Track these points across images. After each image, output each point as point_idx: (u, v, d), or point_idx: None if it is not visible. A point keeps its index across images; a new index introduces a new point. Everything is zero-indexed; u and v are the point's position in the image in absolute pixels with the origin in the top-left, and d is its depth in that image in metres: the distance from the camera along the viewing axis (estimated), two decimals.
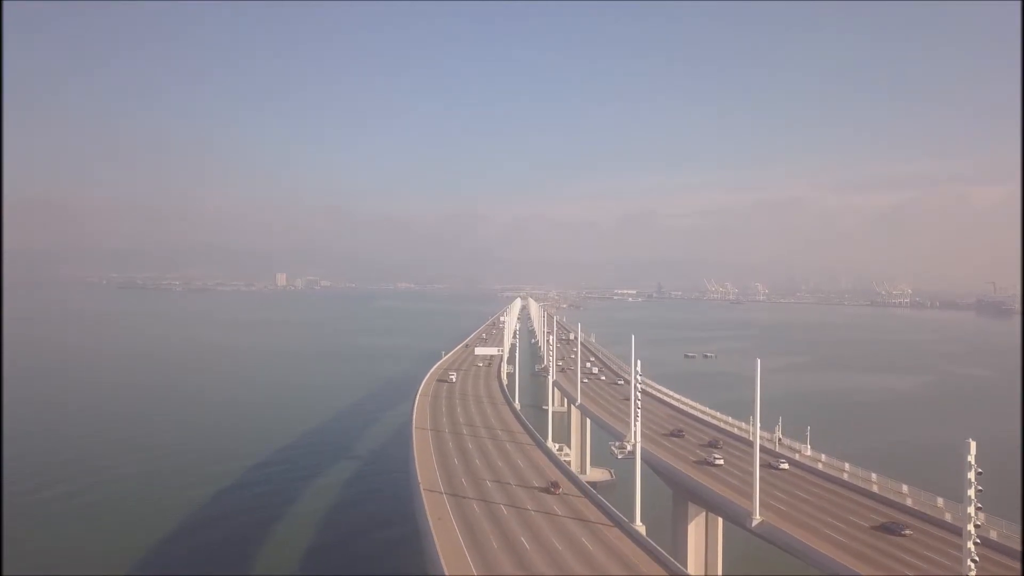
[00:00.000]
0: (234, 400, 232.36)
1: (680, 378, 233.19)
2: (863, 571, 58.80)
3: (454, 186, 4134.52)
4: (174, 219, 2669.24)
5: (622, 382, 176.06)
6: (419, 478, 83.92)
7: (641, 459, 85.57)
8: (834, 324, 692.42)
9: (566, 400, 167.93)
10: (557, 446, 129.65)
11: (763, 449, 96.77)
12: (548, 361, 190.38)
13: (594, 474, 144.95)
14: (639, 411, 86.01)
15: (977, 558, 48.87)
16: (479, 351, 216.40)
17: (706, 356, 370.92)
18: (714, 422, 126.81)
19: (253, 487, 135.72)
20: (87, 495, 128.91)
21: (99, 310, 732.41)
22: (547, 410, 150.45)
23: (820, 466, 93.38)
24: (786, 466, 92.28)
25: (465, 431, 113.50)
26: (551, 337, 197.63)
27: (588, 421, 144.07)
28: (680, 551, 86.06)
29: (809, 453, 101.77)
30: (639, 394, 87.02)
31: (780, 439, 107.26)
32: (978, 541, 49.23)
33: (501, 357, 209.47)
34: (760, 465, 73.27)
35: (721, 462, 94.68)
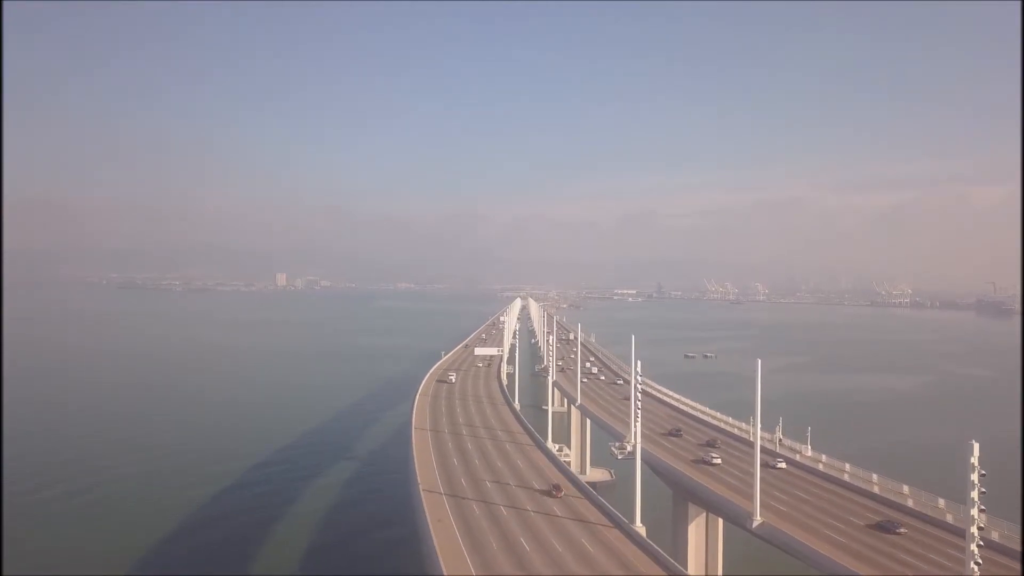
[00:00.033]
0: (234, 400, 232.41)
1: (680, 378, 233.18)
2: (864, 572, 58.79)
3: (454, 186, 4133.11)
4: (174, 219, 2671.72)
5: (621, 382, 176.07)
6: (418, 479, 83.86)
7: (641, 459, 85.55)
8: (834, 324, 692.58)
9: (566, 400, 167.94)
10: (557, 446, 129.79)
11: (761, 449, 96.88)
12: (548, 361, 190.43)
13: (594, 474, 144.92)
14: (639, 411, 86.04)
15: (980, 560, 48.77)
16: (479, 351, 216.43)
17: (706, 356, 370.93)
18: (713, 422, 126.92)
19: (253, 487, 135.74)
20: (87, 495, 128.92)
21: (99, 310, 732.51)
22: (547, 410, 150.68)
23: (821, 467, 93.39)
24: (783, 465, 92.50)
25: (465, 431, 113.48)
26: (551, 337, 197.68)
27: (588, 421, 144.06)
28: (680, 552, 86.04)
29: (810, 454, 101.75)
30: (639, 394, 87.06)
31: (781, 440, 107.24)
32: (981, 544, 49.10)
33: (501, 357, 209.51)
34: (760, 464, 73.30)
35: (719, 461, 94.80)
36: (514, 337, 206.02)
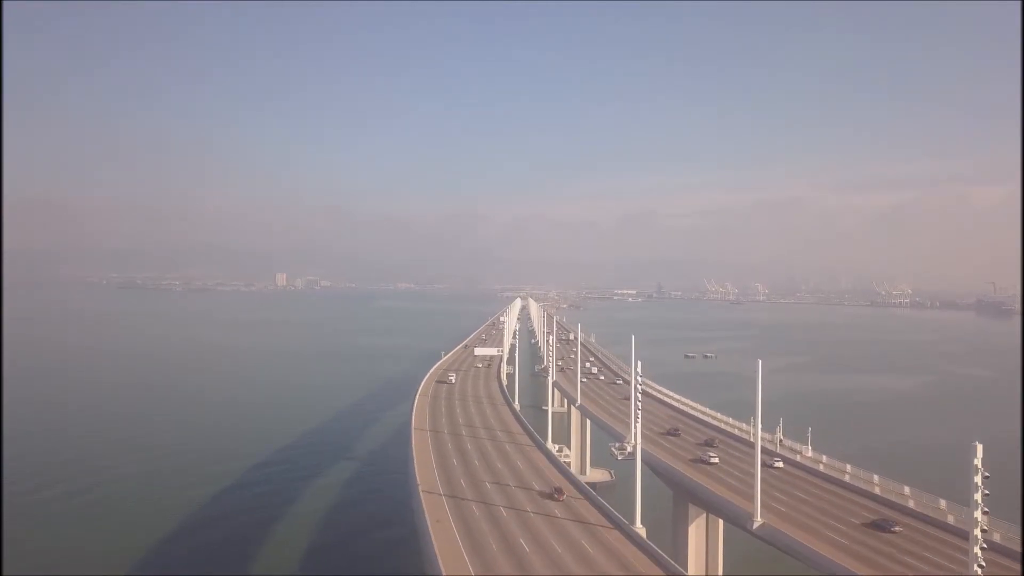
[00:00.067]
0: (234, 400, 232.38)
1: (680, 378, 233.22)
2: (864, 572, 58.77)
3: (454, 186, 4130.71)
4: (174, 219, 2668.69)
5: (621, 382, 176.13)
6: (418, 479, 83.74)
7: (641, 460, 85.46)
8: (834, 324, 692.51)
9: (566, 401, 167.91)
10: (557, 447, 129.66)
11: (760, 449, 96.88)
12: (548, 361, 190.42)
13: (594, 475, 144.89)
14: (639, 412, 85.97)
15: (984, 563, 48.69)
16: (479, 351, 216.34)
17: (706, 356, 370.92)
18: (711, 421, 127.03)
19: (253, 487, 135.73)
20: (87, 495, 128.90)
21: (99, 310, 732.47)
22: (547, 411, 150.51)
23: (821, 467, 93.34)
24: (780, 464, 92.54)
25: (464, 432, 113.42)
26: (551, 337, 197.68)
27: (588, 422, 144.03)
28: (681, 553, 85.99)
29: (810, 454, 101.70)
30: (639, 395, 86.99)
31: (781, 440, 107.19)
32: (985, 546, 49.01)
33: (501, 357, 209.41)
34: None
35: (716, 460, 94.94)
36: (514, 337, 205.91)
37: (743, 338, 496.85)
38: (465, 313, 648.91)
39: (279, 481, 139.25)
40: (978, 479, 47.96)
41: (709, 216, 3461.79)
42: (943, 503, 74.26)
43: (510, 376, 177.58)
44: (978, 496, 48.04)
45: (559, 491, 79.74)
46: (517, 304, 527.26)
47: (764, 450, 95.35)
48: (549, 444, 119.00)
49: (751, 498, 73.31)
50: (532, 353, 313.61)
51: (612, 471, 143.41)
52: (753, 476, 73.19)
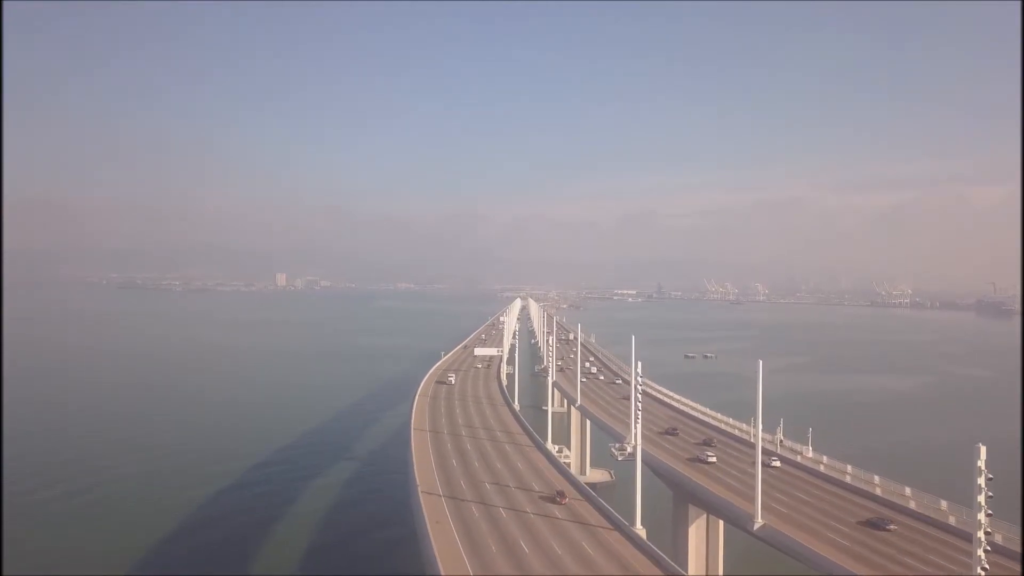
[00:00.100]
0: (234, 400, 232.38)
1: (680, 378, 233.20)
2: (865, 573, 58.76)
3: (454, 186, 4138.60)
4: (174, 219, 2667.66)
5: (620, 381, 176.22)
6: (417, 480, 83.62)
7: (641, 461, 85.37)
8: (834, 324, 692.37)
9: (566, 401, 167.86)
10: (557, 447, 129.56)
11: (754, 446, 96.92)
12: (548, 362, 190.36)
13: (594, 475, 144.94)
14: (639, 413, 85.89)
15: (988, 566, 48.60)
16: (478, 352, 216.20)
17: (706, 356, 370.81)
18: (710, 421, 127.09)
19: (253, 487, 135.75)
20: (87, 495, 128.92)
21: (99, 310, 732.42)
22: (547, 411, 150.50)
23: (822, 467, 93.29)
24: (778, 464, 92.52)
25: (464, 432, 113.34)
26: (551, 338, 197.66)
27: (588, 422, 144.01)
28: (681, 554, 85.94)
29: (811, 455, 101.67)
30: (639, 395, 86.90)
31: (782, 440, 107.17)
32: (988, 548, 48.93)
33: (501, 358, 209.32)
34: (753, 463, 73.01)
35: (714, 460, 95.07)
36: (514, 337, 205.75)
37: (743, 338, 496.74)
38: (465, 313, 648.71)
39: (279, 481, 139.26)
40: (981, 481, 47.78)
41: (709, 216, 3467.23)
42: (944, 504, 74.24)
43: (510, 376, 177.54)
44: (981, 498, 47.88)
45: (561, 494, 78.64)
46: (517, 304, 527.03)
47: (763, 450, 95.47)
48: (549, 444, 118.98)
49: (751, 498, 73.27)
50: (532, 353, 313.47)
51: (612, 471, 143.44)
52: (751, 475, 73.19)
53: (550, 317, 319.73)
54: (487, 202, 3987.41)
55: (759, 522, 71.07)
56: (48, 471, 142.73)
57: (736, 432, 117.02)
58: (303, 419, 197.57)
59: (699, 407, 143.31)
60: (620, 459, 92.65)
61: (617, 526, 70.40)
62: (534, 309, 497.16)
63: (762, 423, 76.81)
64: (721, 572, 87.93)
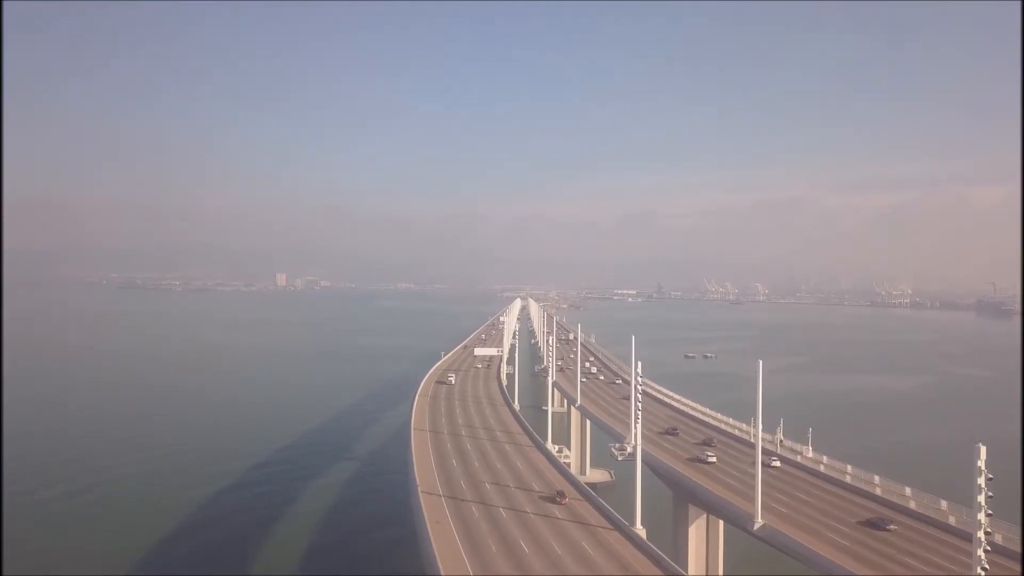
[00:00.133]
0: (234, 400, 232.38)
1: (680, 378, 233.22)
2: (865, 574, 58.74)
3: (454, 186, 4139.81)
4: (174, 219, 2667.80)
5: (620, 381, 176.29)
6: (417, 480, 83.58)
7: (641, 461, 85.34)
8: (834, 324, 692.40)
9: (566, 401, 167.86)
10: (557, 447, 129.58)
11: (754, 446, 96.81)
12: (548, 362, 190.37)
13: (594, 475, 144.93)
14: (639, 413, 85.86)
15: (988, 566, 48.56)
16: (478, 352, 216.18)
17: (706, 356, 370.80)
18: (710, 421, 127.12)
19: (253, 487, 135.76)
20: (87, 495, 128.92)
21: (99, 310, 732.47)
22: (547, 411, 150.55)
23: (822, 468, 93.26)
24: (778, 463, 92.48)
25: (464, 432, 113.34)
26: (551, 338, 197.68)
27: (588, 422, 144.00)
28: (681, 554, 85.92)
29: (811, 455, 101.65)
30: (639, 395, 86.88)
31: (782, 441, 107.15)
32: (988, 549, 48.90)
33: (501, 358, 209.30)
34: (752, 462, 72.93)
35: (714, 459, 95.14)
36: (514, 337, 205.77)
37: (743, 338, 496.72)
38: (465, 313, 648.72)
39: (279, 481, 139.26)
40: (981, 481, 47.72)
41: (709, 216, 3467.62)
42: (944, 504, 74.24)
43: (510, 376, 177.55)
44: (981, 498, 47.82)
45: (561, 494, 78.46)
46: (517, 304, 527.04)
47: (763, 450, 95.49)
48: (549, 444, 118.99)
49: (750, 498, 73.25)
50: (532, 353, 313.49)
51: (612, 471, 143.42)
52: (751, 475, 73.15)
53: (550, 317, 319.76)
54: (487, 202, 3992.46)
55: (759, 522, 71.05)
56: (48, 471, 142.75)
57: (736, 432, 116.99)
58: (303, 419, 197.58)
59: (699, 407, 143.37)
60: (620, 459, 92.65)
61: (617, 526, 70.36)
62: (534, 309, 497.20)
63: (762, 423, 76.84)
64: (721, 572, 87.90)
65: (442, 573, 57.87)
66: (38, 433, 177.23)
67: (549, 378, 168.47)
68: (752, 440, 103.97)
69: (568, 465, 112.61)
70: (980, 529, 48.19)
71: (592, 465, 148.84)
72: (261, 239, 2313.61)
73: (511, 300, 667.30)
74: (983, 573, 48.32)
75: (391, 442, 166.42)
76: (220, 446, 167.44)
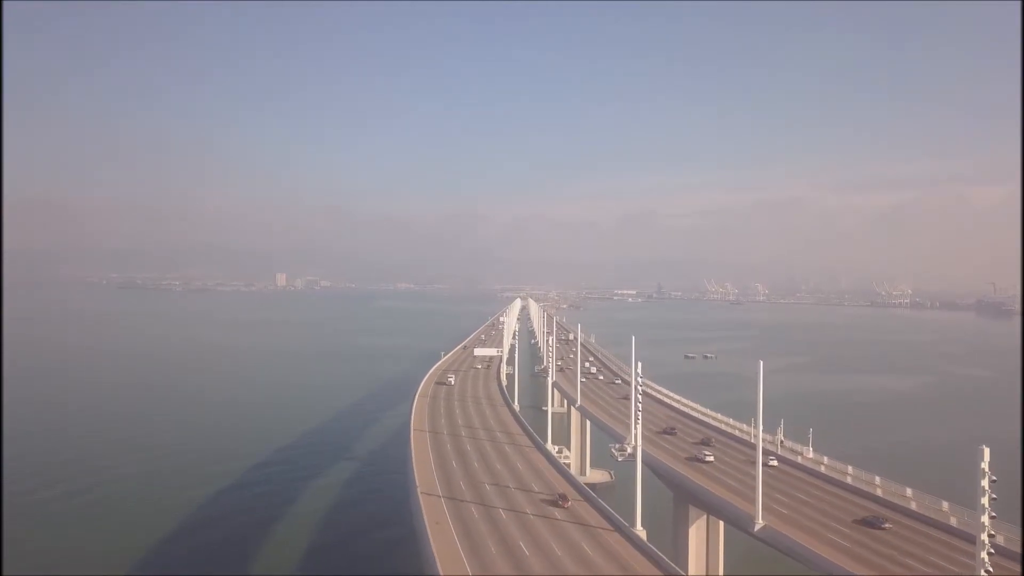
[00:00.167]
0: (234, 400, 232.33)
1: (680, 379, 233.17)
2: (866, 574, 58.73)
3: (454, 186, 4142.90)
4: (174, 219, 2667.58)
5: (619, 381, 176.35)
6: (416, 481, 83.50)
7: (641, 461, 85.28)
8: (834, 325, 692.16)
9: (566, 401, 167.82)
10: (556, 448, 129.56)
11: (752, 446, 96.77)
12: (548, 362, 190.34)
13: (594, 475, 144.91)
14: (640, 414, 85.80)
15: (991, 568, 48.44)
16: (478, 352, 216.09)
17: (706, 357, 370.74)
18: (708, 420, 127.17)
19: (253, 487, 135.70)
20: (87, 495, 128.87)
21: (99, 310, 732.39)
22: (547, 411, 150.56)
23: (823, 468, 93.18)
24: (775, 463, 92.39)
25: (464, 433, 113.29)
26: (550, 338, 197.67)
27: (588, 422, 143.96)
28: (681, 555, 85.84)
29: (811, 455, 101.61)
30: (634, 393, 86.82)
31: (782, 441, 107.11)
32: (992, 551, 48.82)
33: (500, 358, 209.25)
34: (751, 462, 72.84)
35: (711, 459, 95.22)
36: (514, 338, 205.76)
37: (743, 338, 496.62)
38: (465, 313, 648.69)
39: (279, 481, 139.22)
40: (985, 483, 47.47)
41: (709, 216, 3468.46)
42: (945, 505, 74.22)
43: (510, 377, 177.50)
44: (985, 500, 47.63)
45: (563, 497, 77.36)
46: (517, 304, 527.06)
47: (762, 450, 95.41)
48: (549, 445, 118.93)
49: (749, 499, 73.20)
50: (532, 354, 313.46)
51: (612, 472, 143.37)
52: (749, 475, 73.04)
53: (550, 317, 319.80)
54: (487, 202, 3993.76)
55: (760, 523, 70.96)
56: (48, 471, 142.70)
57: (737, 433, 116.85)
58: (303, 419, 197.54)
59: (697, 407, 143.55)
60: (620, 460, 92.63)
61: (617, 527, 70.24)
62: (534, 309, 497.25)
63: (763, 424, 76.78)
64: (722, 573, 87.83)
65: (441, 574, 57.82)
66: (38, 433, 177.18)
67: (549, 378, 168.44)
68: (750, 440, 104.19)
69: (568, 466, 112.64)
70: (984, 532, 47.98)
71: (592, 466, 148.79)
72: (261, 239, 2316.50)
73: (511, 300, 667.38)
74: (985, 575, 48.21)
75: (391, 442, 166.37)
76: (220, 446, 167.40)
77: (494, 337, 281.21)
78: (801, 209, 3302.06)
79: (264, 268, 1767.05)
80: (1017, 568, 58.49)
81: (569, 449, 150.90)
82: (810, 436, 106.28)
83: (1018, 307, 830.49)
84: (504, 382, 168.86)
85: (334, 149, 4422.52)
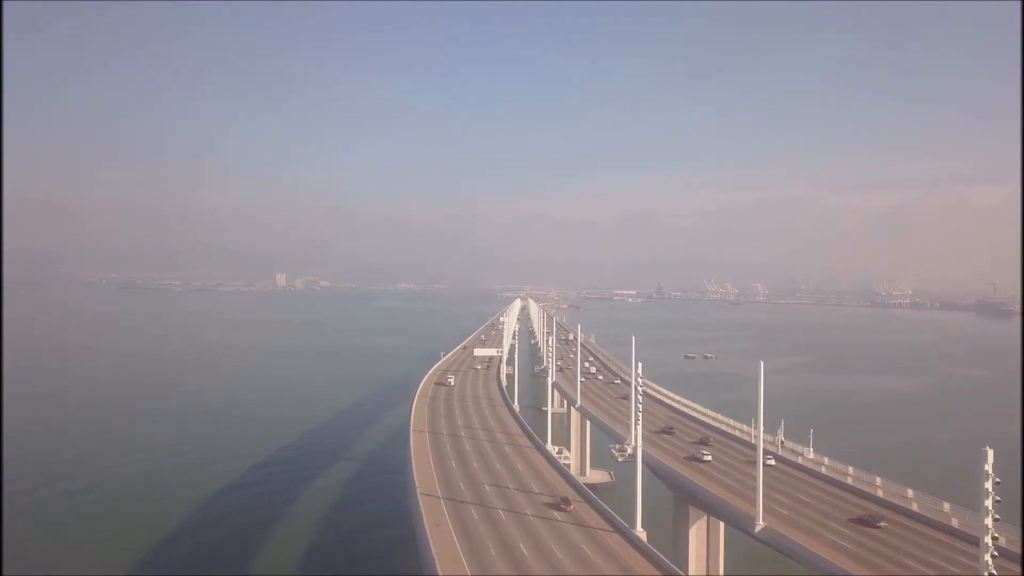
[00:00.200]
0: (234, 400, 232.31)
1: (680, 379, 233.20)
2: (866, 574, 58.80)
3: (454, 186, 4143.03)
4: (174, 219, 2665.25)
5: (619, 381, 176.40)
6: (416, 482, 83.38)
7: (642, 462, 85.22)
8: (834, 325, 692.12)
9: (565, 401, 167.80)
10: (556, 448, 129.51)
11: (751, 445, 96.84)
12: (548, 362, 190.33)
13: (594, 476, 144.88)
14: (640, 414, 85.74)
15: (995, 571, 48.31)
16: (478, 352, 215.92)
17: (706, 357, 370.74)
18: (706, 420, 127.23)
19: (253, 487, 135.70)
20: (87, 495, 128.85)
21: (99, 310, 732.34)
22: (547, 411, 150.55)
23: (824, 469, 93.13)
24: (772, 462, 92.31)
25: (463, 433, 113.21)
26: (550, 338, 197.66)
27: (588, 423, 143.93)
28: (681, 555, 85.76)
29: (812, 456, 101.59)
30: (635, 393, 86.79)
31: (783, 442, 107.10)
32: (996, 554, 48.65)
33: (500, 358, 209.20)
34: (749, 461, 72.65)
35: (709, 458, 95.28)
36: (514, 338, 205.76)
37: (743, 339, 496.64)
38: (465, 313, 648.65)
39: (279, 481, 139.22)
40: (988, 485, 47.26)
41: (709, 216, 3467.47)
42: (947, 506, 74.21)
43: (509, 377, 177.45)
44: (988, 502, 47.47)
45: (566, 501, 76.34)
46: (517, 304, 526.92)
47: (754, 447, 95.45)
48: (549, 446, 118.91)
49: (749, 499, 73.09)
50: (532, 354, 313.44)
51: (612, 472, 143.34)
52: (747, 474, 72.86)
53: (550, 317, 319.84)
54: (487, 202, 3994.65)
55: (761, 524, 70.84)
56: (48, 471, 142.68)
57: (737, 434, 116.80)
58: (303, 419, 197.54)
59: (696, 406, 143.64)
60: (620, 460, 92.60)
61: (618, 528, 70.11)
62: (534, 309, 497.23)
63: (763, 424, 76.71)
64: (722, 574, 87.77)
65: (440, 574, 57.79)
66: (38, 433, 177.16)
67: (549, 379, 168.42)
68: (748, 439, 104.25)
69: (568, 466, 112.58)
70: (987, 534, 47.80)
71: (592, 466, 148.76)
72: (261, 239, 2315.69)
73: (511, 300, 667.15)
74: None
75: (391, 442, 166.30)
76: (220, 446, 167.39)
77: (494, 337, 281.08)
78: (801, 209, 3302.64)
79: (264, 268, 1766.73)
80: (1017, 569, 58.46)
81: (569, 449, 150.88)
82: (811, 436, 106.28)
83: (1018, 307, 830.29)
84: (504, 382, 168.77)
85: (334, 149, 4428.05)
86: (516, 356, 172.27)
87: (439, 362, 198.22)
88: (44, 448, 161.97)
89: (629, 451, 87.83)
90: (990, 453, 47.36)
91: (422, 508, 74.16)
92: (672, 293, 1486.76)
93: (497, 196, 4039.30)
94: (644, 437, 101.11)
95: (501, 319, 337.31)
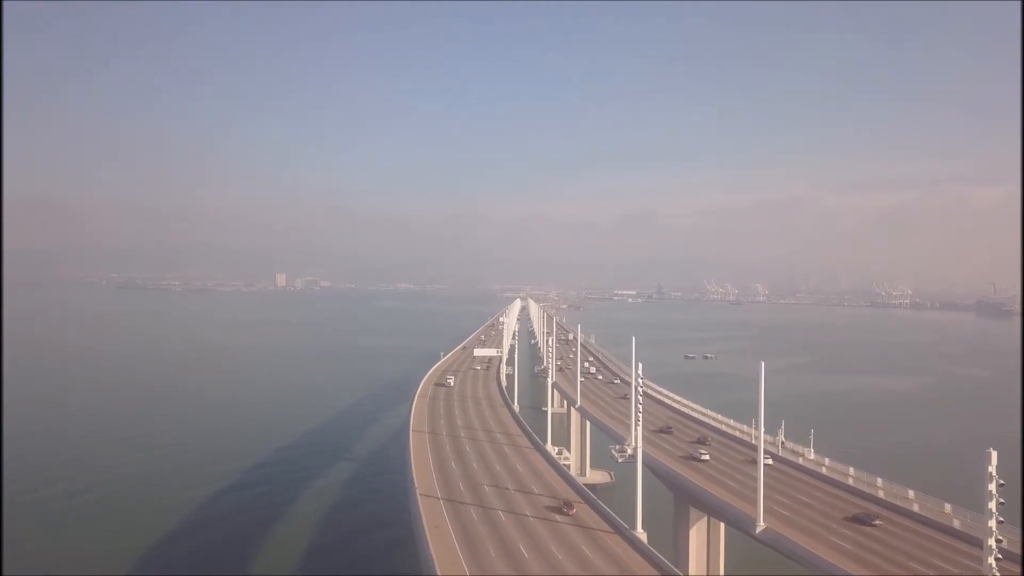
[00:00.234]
0: (234, 400, 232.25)
1: (680, 379, 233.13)
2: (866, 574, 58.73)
3: (454, 186, 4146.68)
4: (174, 219, 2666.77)
5: (618, 381, 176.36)
6: (415, 483, 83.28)
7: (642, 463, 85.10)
8: (834, 325, 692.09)
9: (565, 402, 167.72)
10: (556, 449, 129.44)
11: (749, 445, 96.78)
12: (547, 363, 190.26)
13: (594, 476, 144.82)
14: (640, 415, 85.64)
15: (998, 573, 48.23)
16: (478, 352, 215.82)
17: (706, 357, 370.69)
18: (705, 419, 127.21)
19: (253, 487, 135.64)
20: (87, 495, 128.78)
21: (99, 310, 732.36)
22: (546, 412, 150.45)
23: (824, 470, 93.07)
24: (770, 461, 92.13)
25: (463, 434, 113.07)
26: (550, 338, 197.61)
27: (587, 423, 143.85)
28: (682, 556, 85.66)
29: (812, 456, 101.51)
30: (635, 394, 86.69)
31: (783, 442, 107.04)
32: (1000, 556, 48.57)
33: (500, 358, 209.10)
34: (747, 461, 72.53)
35: (707, 457, 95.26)
36: (513, 338, 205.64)
37: (743, 339, 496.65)
38: (465, 314, 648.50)
39: (279, 481, 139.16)
40: (992, 487, 47.13)
41: (709, 216, 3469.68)
42: (948, 507, 74.14)
43: (509, 377, 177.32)
44: (992, 504, 47.37)
45: (568, 504, 75.56)
46: (517, 304, 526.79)
47: (753, 447, 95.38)
48: (549, 446, 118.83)
49: (749, 500, 72.95)
50: (532, 354, 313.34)
51: (612, 472, 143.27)
52: (744, 473, 72.68)
53: (550, 317, 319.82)
54: (487, 202, 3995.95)
55: (761, 525, 70.70)
56: (48, 471, 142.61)
57: (737, 434, 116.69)
58: (303, 419, 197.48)
59: (695, 406, 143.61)
60: (620, 461, 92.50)
61: (618, 529, 69.99)
62: (534, 309, 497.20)
63: (764, 424, 76.59)
64: (722, 574, 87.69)
65: (439, 574, 57.72)
66: (38, 433, 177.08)
67: (549, 379, 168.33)
68: (747, 439, 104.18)
69: (568, 467, 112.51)
70: (991, 536, 47.69)
71: (592, 466, 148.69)
72: (261, 239, 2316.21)
73: (511, 300, 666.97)
74: None
75: (391, 442, 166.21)
76: (220, 446, 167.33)
77: (494, 337, 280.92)
78: (801, 209, 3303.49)
79: (264, 268, 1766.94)
80: (1017, 569, 58.40)
81: (569, 450, 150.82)
82: (811, 437, 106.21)
83: (1018, 307, 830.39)
84: (504, 383, 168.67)
85: (334, 149, 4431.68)
86: (516, 356, 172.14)
87: (439, 362, 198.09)
88: (44, 448, 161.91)
89: (629, 452, 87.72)
90: (994, 455, 47.23)
91: (421, 509, 74.03)
92: (672, 293, 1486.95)
93: (497, 196, 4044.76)
94: (643, 437, 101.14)
95: (501, 319, 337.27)
